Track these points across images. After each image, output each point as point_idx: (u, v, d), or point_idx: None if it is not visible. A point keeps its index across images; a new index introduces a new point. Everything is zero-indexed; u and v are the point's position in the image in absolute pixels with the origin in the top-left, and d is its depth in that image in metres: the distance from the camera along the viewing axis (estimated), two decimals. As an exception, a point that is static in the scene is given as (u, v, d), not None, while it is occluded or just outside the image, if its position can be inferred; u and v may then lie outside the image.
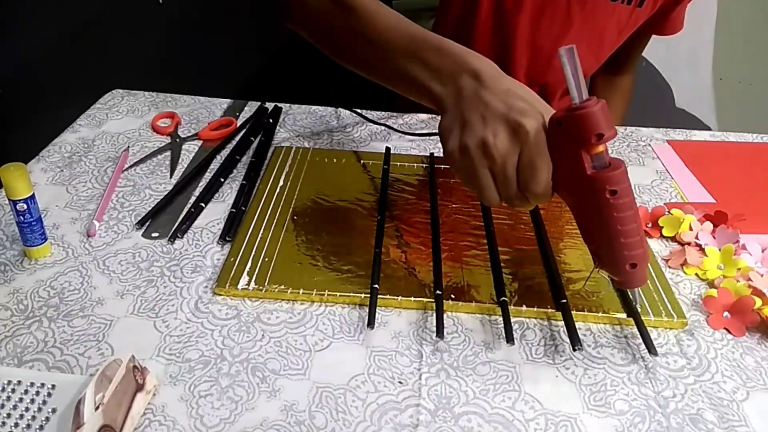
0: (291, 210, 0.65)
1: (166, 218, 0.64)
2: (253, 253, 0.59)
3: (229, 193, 0.68)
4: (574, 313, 0.54)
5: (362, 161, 0.74)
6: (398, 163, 0.73)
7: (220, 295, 0.55)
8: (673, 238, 0.65)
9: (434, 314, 0.53)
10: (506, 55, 0.87)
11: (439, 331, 0.51)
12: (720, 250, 0.61)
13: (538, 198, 0.50)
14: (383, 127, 0.82)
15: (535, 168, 0.48)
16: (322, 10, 0.63)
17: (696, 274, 0.61)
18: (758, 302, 0.55)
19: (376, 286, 0.55)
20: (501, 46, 0.86)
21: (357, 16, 0.59)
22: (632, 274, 0.48)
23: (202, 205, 0.66)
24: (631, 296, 0.54)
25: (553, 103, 0.94)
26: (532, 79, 0.90)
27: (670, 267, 0.61)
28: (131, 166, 0.72)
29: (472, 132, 0.49)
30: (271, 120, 0.81)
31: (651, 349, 0.50)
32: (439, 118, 0.85)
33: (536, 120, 0.48)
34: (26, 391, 0.45)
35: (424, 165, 0.74)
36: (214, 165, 0.73)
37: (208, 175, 0.71)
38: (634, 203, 0.47)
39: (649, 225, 0.66)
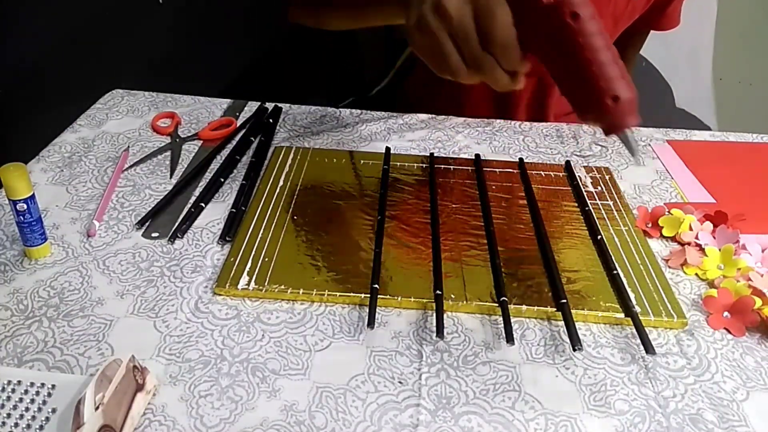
0: (291, 210, 0.65)
1: (166, 218, 0.64)
2: (253, 253, 0.59)
3: (229, 193, 0.68)
4: (574, 312, 0.54)
5: (362, 161, 0.74)
6: (398, 163, 0.73)
7: (220, 295, 0.55)
8: (673, 238, 0.65)
9: (434, 314, 0.53)
10: None
11: (439, 331, 0.51)
12: (720, 250, 0.61)
13: (504, 50, 0.46)
14: (383, 127, 0.82)
15: (491, 12, 0.46)
16: None
17: (696, 274, 0.61)
18: (758, 302, 0.55)
19: (376, 286, 0.55)
20: None
21: None
22: (616, 109, 0.43)
23: (202, 205, 0.66)
24: (627, 145, 0.46)
25: (552, 97, 0.94)
26: (531, 70, 0.90)
27: (670, 267, 0.61)
28: (131, 166, 0.72)
29: (419, 3, 0.48)
30: (271, 120, 0.81)
31: (649, 348, 0.50)
32: (440, 118, 0.86)
33: None
34: (26, 391, 0.45)
35: (424, 165, 0.74)
36: (214, 165, 0.73)
37: (208, 175, 0.71)
38: (603, 30, 0.44)
39: (649, 225, 0.66)
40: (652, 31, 0.96)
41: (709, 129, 1.67)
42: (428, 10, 0.47)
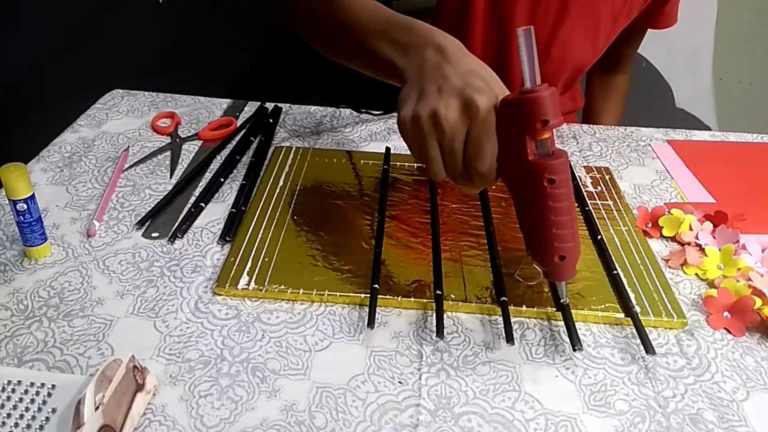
0: (291, 210, 0.65)
1: (166, 218, 0.64)
2: (253, 253, 0.59)
3: (229, 193, 0.68)
4: (574, 312, 0.54)
5: (362, 161, 0.74)
6: (398, 163, 0.73)
7: (220, 295, 0.55)
8: (673, 238, 0.65)
9: (434, 314, 0.53)
10: (504, 45, 0.87)
11: (439, 331, 0.51)
12: (720, 250, 0.61)
13: (481, 178, 0.49)
14: (383, 127, 0.82)
15: (480, 146, 0.48)
16: (310, 4, 0.67)
17: (696, 274, 0.61)
18: (758, 302, 0.55)
19: (376, 286, 0.55)
20: (498, 36, 0.87)
21: (338, 4, 0.63)
22: (560, 266, 0.48)
23: (202, 205, 0.66)
24: (559, 291, 0.52)
25: None
26: None
27: (670, 267, 0.61)
28: (131, 166, 0.72)
29: (426, 102, 0.50)
30: (271, 120, 0.81)
31: (649, 348, 0.50)
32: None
33: (489, 99, 0.48)
34: (26, 391, 0.45)
35: (424, 165, 0.73)
36: (214, 165, 0.73)
37: (208, 175, 0.71)
38: (571, 196, 0.47)
39: (649, 225, 0.66)
40: (652, 31, 0.96)
41: (709, 129, 1.68)
42: (425, 115, 0.49)
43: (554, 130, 0.47)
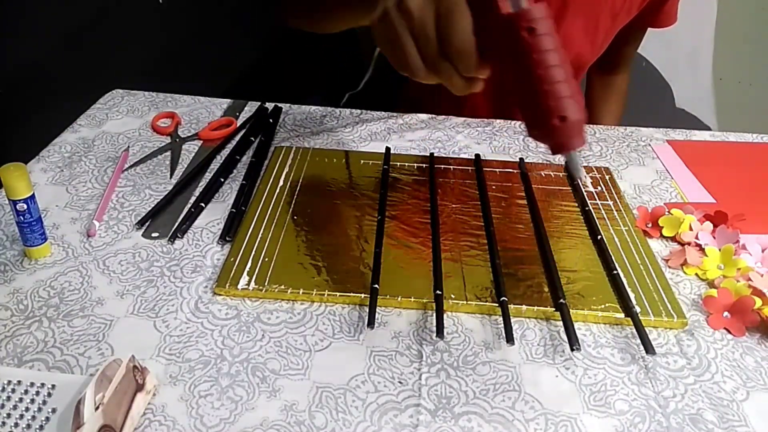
0: (291, 210, 0.65)
1: (166, 218, 0.64)
2: (253, 253, 0.59)
3: (229, 193, 0.68)
4: (574, 312, 0.54)
5: (362, 161, 0.74)
6: (398, 163, 0.73)
7: (220, 295, 0.55)
8: (673, 238, 0.65)
9: (434, 314, 0.53)
10: None
11: (439, 331, 0.51)
12: (720, 250, 0.61)
13: (461, 56, 0.46)
14: (383, 127, 0.82)
15: (452, 18, 0.46)
16: None
17: (696, 274, 0.61)
18: (758, 302, 0.55)
19: (376, 286, 0.55)
20: None
21: None
22: (562, 129, 0.42)
23: (202, 205, 0.66)
24: (572, 166, 0.46)
25: None
26: None
27: (670, 267, 0.61)
28: (131, 166, 0.72)
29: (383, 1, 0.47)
30: (271, 120, 0.81)
31: (649, 348, 0.50)
32: (440, 118, 0.86)
33: None
34: (26, 391, 0.45)
35: (424, 165, 0.74)
36: (214, 165, 0.73)
37: (208, 175, 0.71)
38: (557, 43, 0.43)
39: (649, 225, 0.66)
40: (652, 31, 0.96)
41: (709, 129, 1.68)
42: (392, 6, 0.47)
43: None
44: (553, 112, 0.42)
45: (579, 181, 0.47)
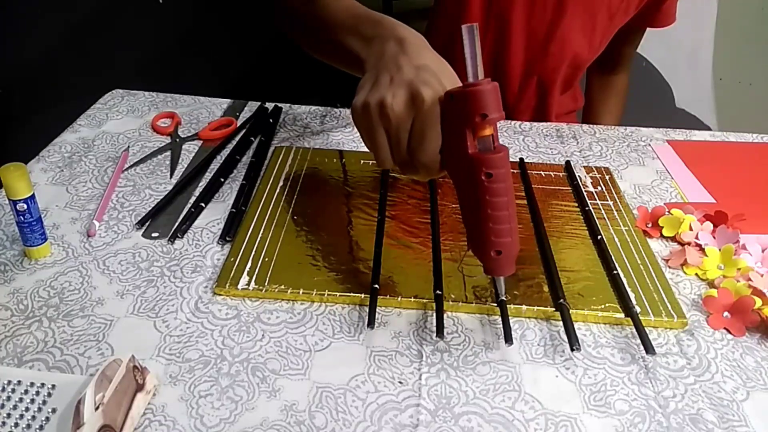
0: (291, 210, 0.65)
1: (166, 218, 0.64)
2: (253, 253, 0.59)
3: (229, 193, 0.68)
4: (574, 313, 0.54)
5: (362, 161, 0.74)
6: (398, 163, 0.73)
7: (220, 295, 0.55)
8: (673, 238, 0.65)
9: (434, 314, 0.53)
10: (503, 43, 0.88)
11: (439, 331, 0.51)
12: (720, 250, 0.61)
13: (425, 168, 0.50)
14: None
15: (423, 137, 0.49)
16: (293, 4, 0.69)
17: (696, 274, 0.61)
18: (758, 302, 0.55)
19: (376, 286, 0.55)
20: (497, 34, 0.87)
21: (316, 3, 0.64)
22: (496, 261, 0.48)
23: (202, 205, 0.66)
24: (498, 286, 0.53)
25: (552, 97, 0.94)
26: (529, 68, 0.91)
27: (670, 267, 0.61)
28: (131, 166, 0.72)
29: (377, 90, 0.50)
30: (271, 120, 0.81)
31: (649, 348, 0.50)
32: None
33: (435, 91, 0.48)
34: (26, 391, 0.45)
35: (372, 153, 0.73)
36: (214, 165, 0.73)
37: (208, 175, 0.71)
38: (509, 192, 0.47)
39: (649, 225, 0.66)
40: (652, 31, 0.96)
41: (709, 129, 1.68)
42: (374, 103, 0.50)
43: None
44: (492, 246, 0.48)
45: (500, 294, 0.53)
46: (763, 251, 0.62)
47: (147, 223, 0.63)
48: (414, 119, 0.49)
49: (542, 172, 0.74)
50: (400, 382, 0.48)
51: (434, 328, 0.51)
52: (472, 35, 0.46)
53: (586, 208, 0.67)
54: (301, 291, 0.55)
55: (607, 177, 0.74)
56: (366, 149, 0.52)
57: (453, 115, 0.48)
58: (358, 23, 0.59)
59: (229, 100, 0.87)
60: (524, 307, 0.54)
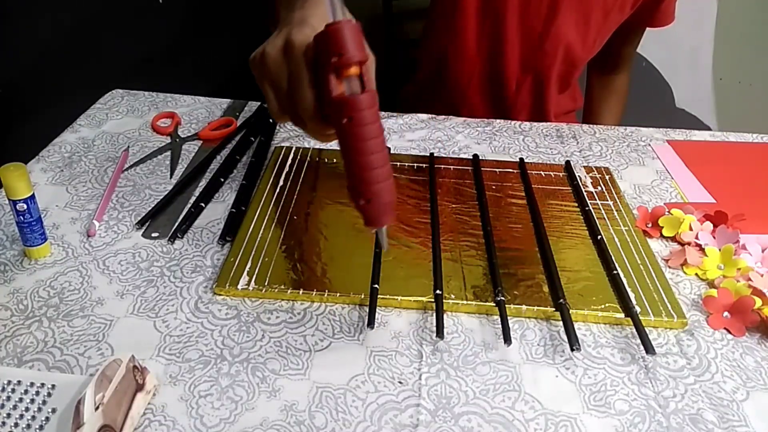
0: (291, 210, 0.65)
1: (166, 218, 0.64)
2: (253, 253, 0.59)
3: (229, 193, 0.68)
4: (574, 312, 0.54)
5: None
6: (398, 163, 0.73)
7: (220, 295, 0.55)
8: (673, 238, 0.65)
9: (434, 314, 0.53)
10: (498, 41, 0.88)
11: (439, 331, 0.51)
12: (720, 250, 0.61)
13: (306, 116, 0.48)
14: (383, 127, 0.82)
15: (297, 83, 0.47)
16: None
17: (696, 274, 0.61)
18: (758, 302, 0.55)
19: (376, 286, 0.55)
20: (492, 30, 0.87)
21: None
22: (366, 209, 0.46)
23: (202, 205, 0.66)
24: (379, 238, 0.49)
25: (550, 97, 0.95)
26: (525, 65, 0.91)
27: (670, 267, 0.61)
28: (131, 166, 0.72)
29: (265, 43, 0.49)
30: (271, 120, 0.81)
31: (649, 348, 0.50)
32: (440, 118, 0.86)
33: (305, 36, 0.47)
34: (26, 391, 0.45)
35: (424, 165, 0.74)
36: (214, 165, 0.73)
37: (208, 175, 0.71)
38: (374, 135, 0.45)
39: (649, 225, 0.66)
40: (651, 31, 0.96)
41: (709, 129, 1.68)
42: (258, 55, 0.49)
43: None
44: (361, 194, 0.46)
45: (382, 247, 0.50)
46: (763, 251, 0.62)
47: (147, 223, 0.63)
48: (288, 66, 0.48)
49: (542, 172, 0.74)
50: (400, 382, 0.48)
51: (434, 328, 0.51)
52: None
53: (586, 208, 0.67)
54: (301, 291, 0.55)
55: (607, 177, 0.74)
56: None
57: (319, 59, 0.46)
58: None
59: (229, 100, 0.87)
60: (524, 307, 0.54)
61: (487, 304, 0.54)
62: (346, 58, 0.44)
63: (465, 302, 0.55)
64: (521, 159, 0.75)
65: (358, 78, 0.45)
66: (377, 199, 0.46)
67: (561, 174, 0.74)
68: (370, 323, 0.51)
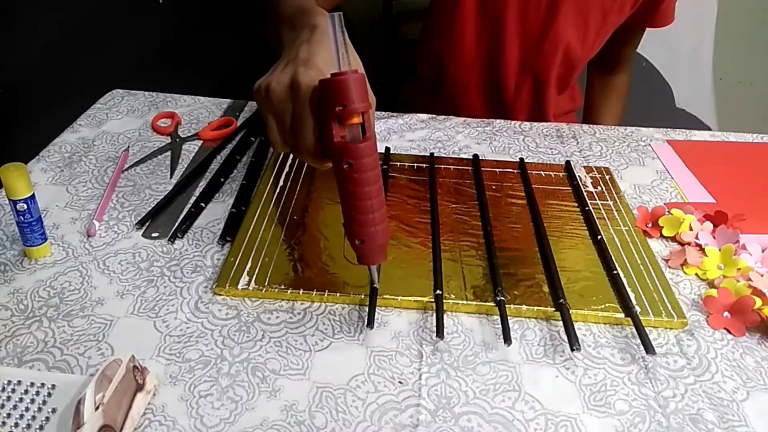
0: (291, 210, 0.65)
1: (166, 218, 0.64)
2: (253, 253, 0.59)
3: (229, 193, 0.68)
4: (574, 312, 0.54)
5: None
6: (398, 163, 0.73)
7: (220, 295, 0.55)
8: (673, 238, 0.65)
9: (434, 314, 0.53)
10: (497, 41, 0.88)
11: (439, 331, 0.51)
12: (720, 250, 0.61)
13: (307, 153, 0.50)
14: (383, 127, 0.82)
15: (300, 122, 0.49)
16: (263, 3, 0.68)
17: (696, 274, 0.61)
18: (758, 302, 0.55)
19: (376, 286, 0.55)
20: (491, 31, 0.87)
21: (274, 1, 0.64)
22: (360, 249, 0.49)
23: (202, 205, 0.66)
24: (371, 275, 0.53)
25: (550, 97, 0.95)
26: (524, 65, 0.91)
27: (670, 267, 0.61)
28: (131, 166, 0.72)
29: (270, 75, 0.51)
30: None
31: (649, 348, 0.50)
32: (440, 118, 0.86)
33: (311, 78, 0.48)
34: (26, 391, 0.45)
35: (424, 165, 0.74)
36: (214, 165, 0.73)
37: (208, 175, 0.71)
38: (372, 182, 0.47)
39: (649, 225, 0.66)
40: (651, 31, 0.96)
41: (709, 129, 1.68)
42: (263, 87, 0.50)
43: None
44: (355, 234, 0.49)
45: (373, 282, 0.54)
46: (763, 251, 0.62)
47: (147, 223, 0.63)
48: (293, 104, 0.49)
49: (542, 172, 0.74)
50: (400, 382, 0.48)
51: (434, 328, 0.51)
52: (335, 25, 0.46)
53: (586, 208, 0.67)
54: (301, 291, 0.55)
55: (607, 177, 0.74)
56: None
57: (323, 103, 0.48)
58: (294, 14, 0.58)
59: (229, 100, 0.87)
60: (524, 307, 0.54)
61: (487, 304, 0.54)
62: (349, 109, 0.46)
63: (465, 302, 0.55)
64: (521, 159, 0.75)
65: (360, 126, 0.47)
66: (371, 242, 0.49)
67: (561, 174, 0.74)
68: (370, 323, 0.51)
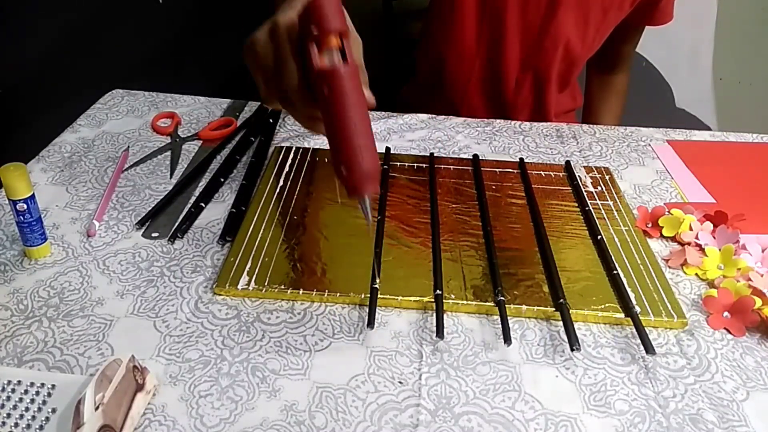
0: (291, 210, 0.65)
1: (166, 218, 0.64)
2: (253, 253, 0.59)
3: (229, 193, 0.68)
4: (574, 312, 0.54)
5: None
6: (398, 163, 0.73)
7: (220, 295, 0.55)
8: (673, 238, 0.65)
9: (434, 314, 0.53)
10: (498, 39, 0.88)
11: (439, 331, 0.51)
12: (720, 250, 0.61)
13: (291, 90, 0.48)
14: (383, 127, 0.82)
15: (283, 63, 0.48)
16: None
17: (696, 274, 0.61)
18: (758, 302, 0.55)
19: (376, 286, 0.55)
20: (491, 29, 0.87)
21: None
22: (347, 180, 0.46)
23: (202, 205, 0.66)
24: (363, 213, 0.48)
25: (550, 96, 0.95)
26: (525, 63, 0.91)
27: (670, 267, 0.61)
28: (131, 166, 0.72)
29: (256, 30, 0.50)
30: (271, 120, 0.81)
31: (649, 348, 0.50)
32: (440, 118, 0.86)
33: (289, 17, 0.47)
34: (26, 391, 0.45)
35: (424, 165, 0.74)
36: (214, 165, 0.73)
37: (208, 175, 0.71)
38: (355, 104, 0.45)
39: (649, 225, 0.66)
40: (651, 31, 0.96)
41: (709, 129, 1.68)
42: (249, 40, 0.50)
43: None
44: (341, 162, 0.46)
45: (367, 224, 0.50)
46: (763, 251, 0.62)
47: (147, 223, 0.63)
48: (274, 46, 0.48)
49: (542, 172, 0.74)
50: (400, 382, 0.48)
51: (434, 328, 0.51)
52: None
53: (586, 208, 0.67)
54: (301, 291, 0.55)
55: (607, 177, 0.74)
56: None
57: (302, 35, 0.46)
58: None
59: (229, 100, 0.87)
60: (524, 307, 0.54)
61: (487, 304, 0.54)
62: (325, 27, 0.44)
63: (465, 302, 0.55)
64: (521, 159, 0.75)
65: (339, 51, 0.45)
66: (357, 167, 0.45)
67: (561, 174, 0.74)
68: (370, 323, 0.51)
